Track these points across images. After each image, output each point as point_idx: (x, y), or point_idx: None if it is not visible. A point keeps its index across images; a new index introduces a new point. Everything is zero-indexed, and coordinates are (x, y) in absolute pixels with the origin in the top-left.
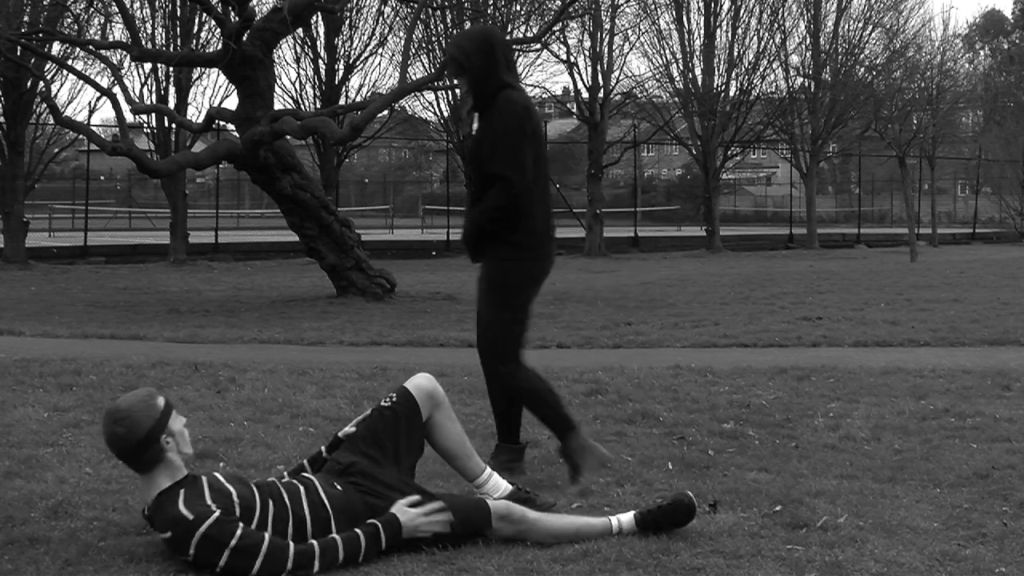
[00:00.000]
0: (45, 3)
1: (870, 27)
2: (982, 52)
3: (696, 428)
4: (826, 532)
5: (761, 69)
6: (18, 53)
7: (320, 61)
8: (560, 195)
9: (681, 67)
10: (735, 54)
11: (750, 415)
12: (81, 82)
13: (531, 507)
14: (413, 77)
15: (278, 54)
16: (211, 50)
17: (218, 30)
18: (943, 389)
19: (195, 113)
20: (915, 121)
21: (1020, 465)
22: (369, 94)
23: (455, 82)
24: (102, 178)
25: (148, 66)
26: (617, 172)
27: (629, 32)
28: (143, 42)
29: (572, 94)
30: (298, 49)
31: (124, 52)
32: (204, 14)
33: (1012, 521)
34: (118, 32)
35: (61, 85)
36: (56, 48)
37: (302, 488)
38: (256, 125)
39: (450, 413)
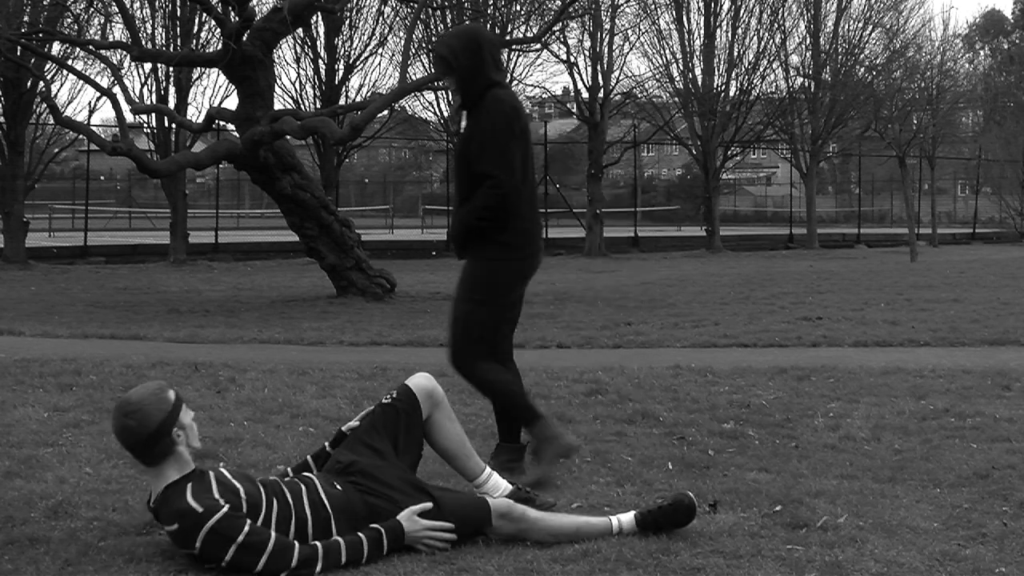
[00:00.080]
0: (45, 3)
1: (870, 27)
2: (982, 52)
3: (696, 428)
4: (826, 532)
5: (761, 69)
6: (18, 53)
7: (320, 61)
8: (560, 195)
9: (681, 67)
10: (735, 54)
11: (750, 415)
12: (81, 82)
13: (531, 506)
14: (413, 77)
15: (278, 54)
16: (211, 50)
17: (218, 30)
18: (943, 389)
19: (195, 113)
20: (915, 121)
21: (1020, 465)
22: (369, 94)
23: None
24: (102, 178)
25: (148, 66)
26: (617, 172)
27: (629, 32)
28: (143, 42)
29: (572, 94)
30: (298, 49)
31: (124, 52)
32: (204, 14)
33: (1012, 521)
34: (118, 32)
35: (61, 85)
36: (56, 48)
37: (303, 487)
38: (256, 125)
39: (449, 413)
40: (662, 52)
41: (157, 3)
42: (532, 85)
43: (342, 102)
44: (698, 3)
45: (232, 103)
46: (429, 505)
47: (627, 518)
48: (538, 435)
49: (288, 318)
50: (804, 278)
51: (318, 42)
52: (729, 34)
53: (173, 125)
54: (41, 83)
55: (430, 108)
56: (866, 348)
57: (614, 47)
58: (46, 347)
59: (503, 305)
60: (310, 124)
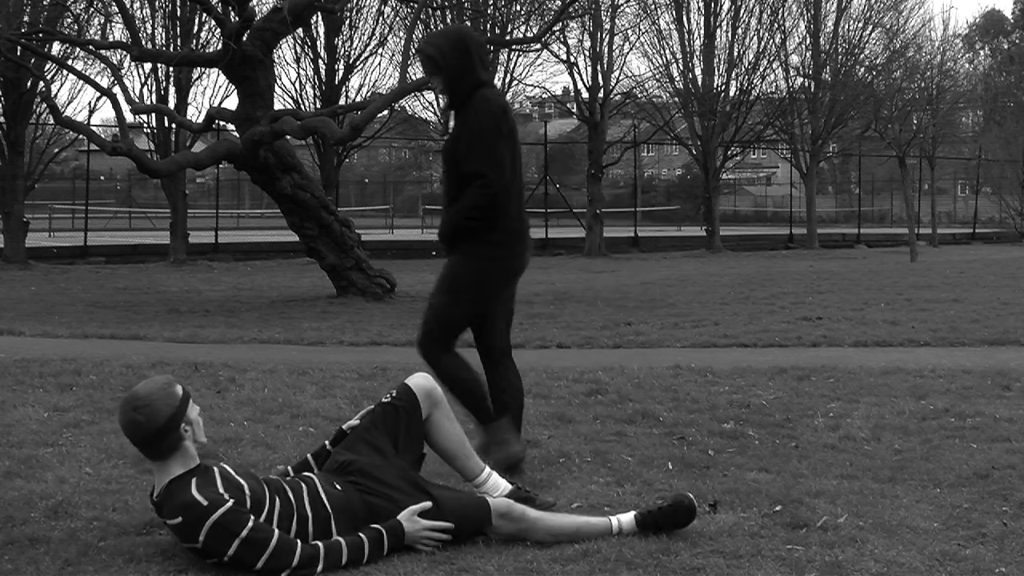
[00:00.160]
0: (45, 3)
1: (870, 27)
2: (982, 52)
3: (696, 428)
4: (826, 532)
5: (761, 69)
6: (18, 53)
7: (320, 61)
8: (560, 195)
9: (681, 67)
10: (735, 54)
11: (750, 415)
12: (81, 82)
13: (531, 506)
14: (413, 77)
15: (278, 54)
16: (211, 50)
17: (218, 30)
18: (943, 389)
19: (195, 113)
20: (915, 121)
21: (1020, 465)
22: (369, 94)
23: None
24: (102, 178)
25: (148, 66)
26: (617, 172)
27: (629, 32)
28: (143, 42)
29: (572, 94)
30: (298, 49)
31: (124, 52)
32: (204, 14)
33: (1012, 521)
34: (118, 32)
35: (61, 85)
36: (56, 48)
37: (304, 486)
38: (256, 125)
39: (449, 413)
40: (662, 52)
41: (157, 3)
42: (532, 85)
43: (342, 102)
44: (698, 3)
45: (232, 103)
46: (429, 504)
47: (627, 518)
48: (491, 436)
49: (288, 318)
50: (804, 278)
51: (318, 42)
52: (729, 34)
53: (173, 125)
54: (41, 83)
55: (430, 108)
56: (866, 348)
57: (614, 47)
58: (46, 347)
59: (483, 303)
60: (310, 124)
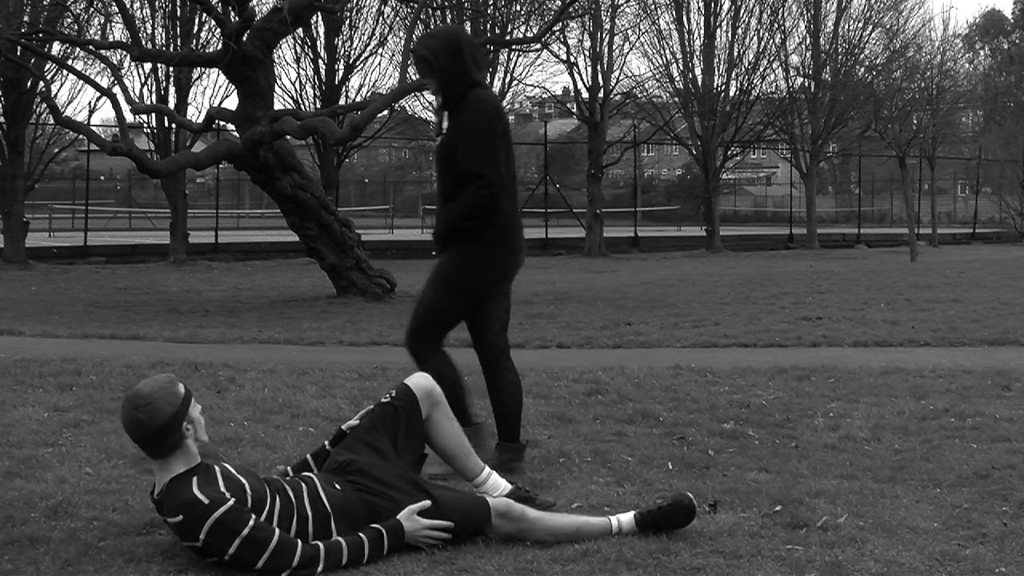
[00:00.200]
0: (45, 3)
1: (870, 27)
2: (982, 52)
3: (696, 428)
4: (826, 532)
5: (761, 69)
6: (18, 53)
7: (320, 61)
8: (560, 195)
9: (681, 67)
10: (735, 54)
11: (750, 415)
12: (81, 82)
13: (531, 506)
14: (413, 77)
15: (278, 54)
16: (211, 50)
17: (218, 30)
18: (943, 389)
19: (195, 113)
20: (915, 121)
21: (1020, 465)
22: (369, 94)
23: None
24: (102, 178)
25: (148, 66)
26: (617, 172)
27: (629, 32)
28: (143, 42)
29: (572, 94)
30: (298, 49)
31: (124, 52)
32: (204, 14)
33: (1012, 521)
34: (118, 32)
35: (61, 85)
36: (56, 48)
37: (304, 486)
38: (256, 125)
39: (448, 412)
40: (662, 52)
41: (157, 3)
42: (532, 85)
43: (342, 102)
44: (698, 3)
45: (232, 103)
46: (428, 504)
47: (627, 518)
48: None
49: (288, 318)
50: (804, 278)
51: (318, 42)
52: (729, 34)
53: (173, 125)
54: (41, 83)
55: (430, 108)
56: (866, 348)
57: (614, 47)
58: (46, 347)
59: (473, 301)
60: (310, 124)
